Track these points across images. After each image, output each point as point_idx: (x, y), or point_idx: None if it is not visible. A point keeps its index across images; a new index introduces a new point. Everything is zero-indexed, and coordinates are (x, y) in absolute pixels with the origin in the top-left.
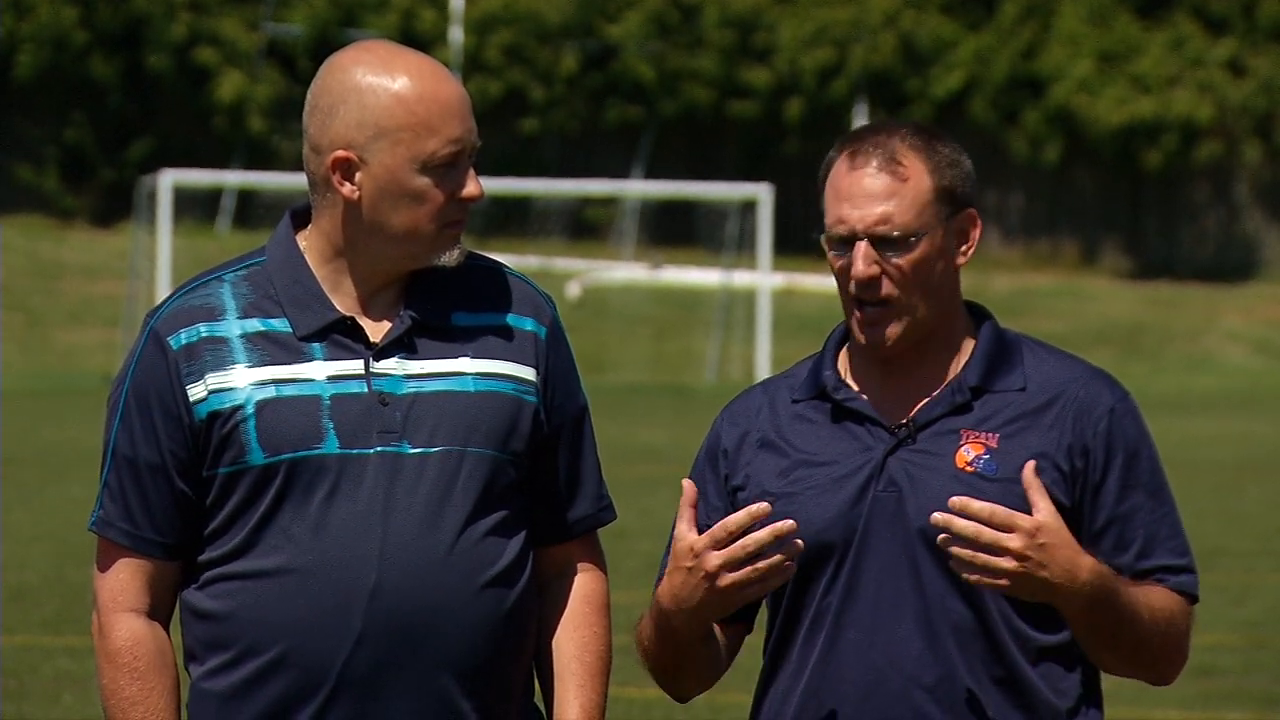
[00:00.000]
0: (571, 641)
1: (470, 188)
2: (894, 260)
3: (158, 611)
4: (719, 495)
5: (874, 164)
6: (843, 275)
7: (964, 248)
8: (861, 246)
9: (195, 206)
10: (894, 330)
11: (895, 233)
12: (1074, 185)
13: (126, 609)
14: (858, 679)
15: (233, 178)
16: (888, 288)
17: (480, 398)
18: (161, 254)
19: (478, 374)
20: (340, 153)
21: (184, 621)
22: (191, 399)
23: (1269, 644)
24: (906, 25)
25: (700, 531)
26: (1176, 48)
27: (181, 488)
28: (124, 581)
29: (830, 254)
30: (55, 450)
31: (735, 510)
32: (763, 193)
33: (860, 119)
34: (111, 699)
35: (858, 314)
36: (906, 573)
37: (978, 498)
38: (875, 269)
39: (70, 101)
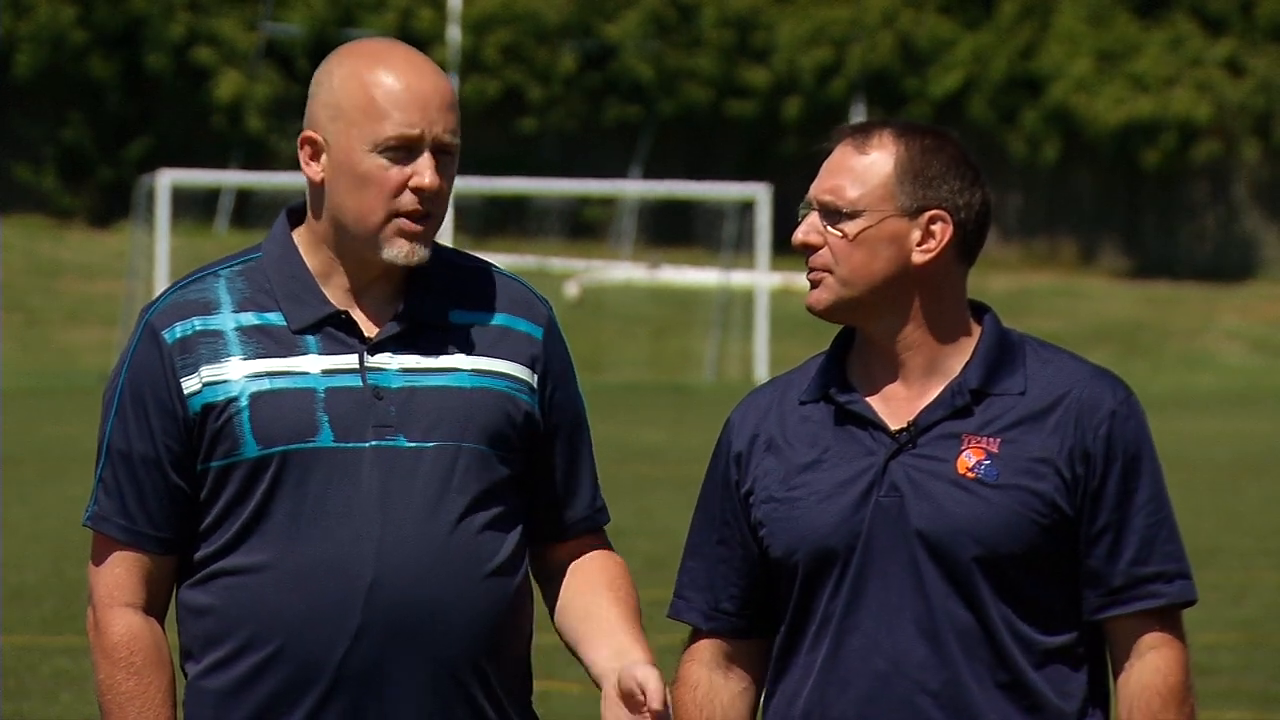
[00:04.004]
0: (604, 598)
1: (422, 178)
2: (831, 230)
3: (153, 606)
4: (734, 516)
5: (846, 143)
6: None
7: (925, 245)
8: (811, 215)
9: (193, 206)
10: (824, 297)
11: (837, 203)
12: (1072, 185)
13: (122, 604)
14: (862, 684)
15: (231, 177)
16: (824, 258)
17: (475, 393)
18: (160, 253)
19: (473, 370)
20: (307, 132)
21: (180, 619)
22: (186, 392)
23: (1267, 642)
24: (905, 24)
25: (716, 564)
26: (1175, 47)
27: (176, 481)
28: (119, 576)
29: None
30: (54, 449)
31: (749, 520)
32: (761, 192)
33: (858, 118)
34: (108, 694)
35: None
36: (909, 578)
37: (980, 503)
38: (814, 237)
39: (69, 101)
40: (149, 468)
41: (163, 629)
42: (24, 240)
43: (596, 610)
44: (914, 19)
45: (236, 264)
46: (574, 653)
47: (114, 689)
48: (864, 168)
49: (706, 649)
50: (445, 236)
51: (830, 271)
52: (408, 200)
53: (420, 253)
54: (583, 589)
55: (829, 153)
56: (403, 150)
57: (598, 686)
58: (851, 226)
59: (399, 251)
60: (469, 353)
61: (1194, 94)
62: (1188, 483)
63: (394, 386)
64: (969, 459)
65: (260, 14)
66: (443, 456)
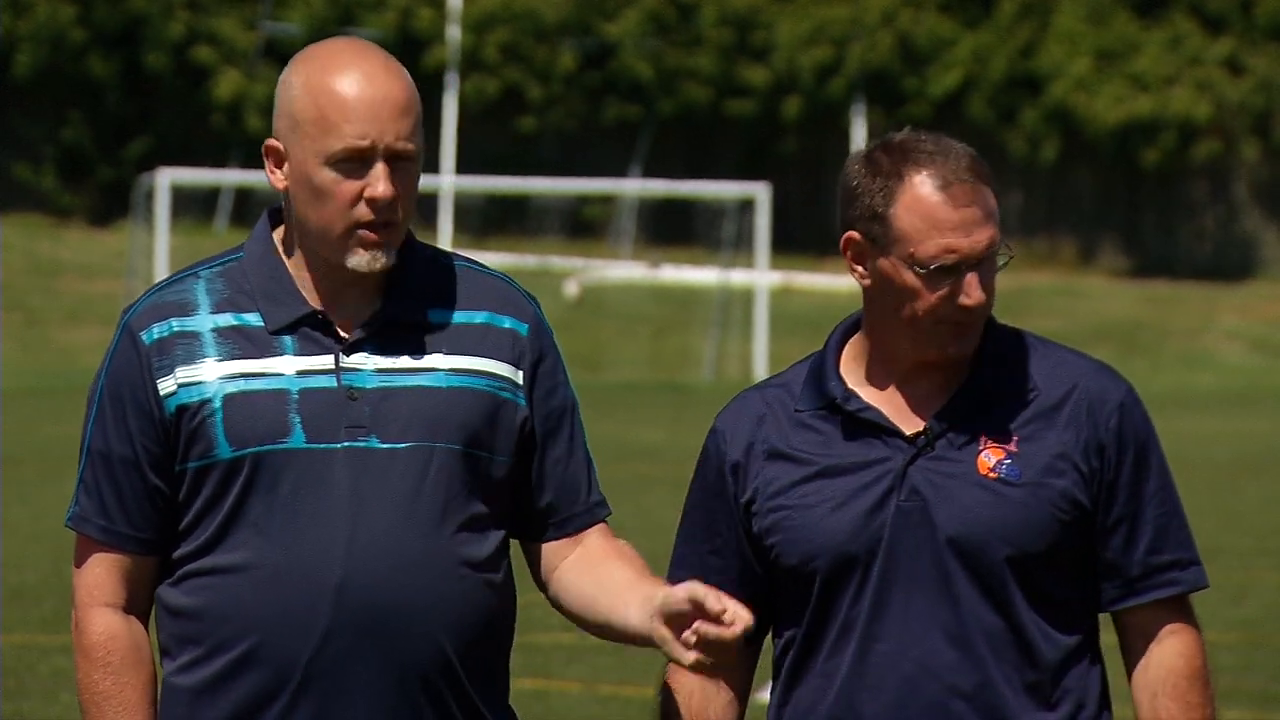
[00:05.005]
0: (613, 565)
1: (375, 189)
2: (989, 277)
3: (134, 606)
4: (729, 525)
5: (968, 191)
6: (946, 302)
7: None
8: (974, 276)
9: (193, 205)
10: (975, 341)
11: (994, 253)
12: (1072, 184)
13: (102, 604)
14: (892, 689)
15: (230, 176)
16: (985, 306)
17: (452, 393)
18: (159, 252)
19: (450, 370)
20: (270, 142)
21: (158, 618)
22: (162, 393)
23: (1267, 643)
24: (904, 24)
25: (710, 575)
26: (1174, 46)
27: (155, 482)
28: (99, 577)
29: (923, 283)
30: (54, 449)
31: (749, 530)
32: (760, 191)
33: (858, 118)
34: (86, 693)
35: (954, 329)
36: (937, 583)
37: (1006, 503)
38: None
39: (68, 100)
40: (127, 469)
41: (145, 629)
42: (24, 240)
43: (608, 578)
44: (913, 18)
45: (217, 265)
46: (605, 632)
47: (91, 688)
48: (994, 213)
49: None
50: (445, 236)
51: (985, 315)
52: (364, 211)
53: (381, 260)
54: (589, 569)
55: (901, 191)
56: (355, 162)
57: (647, 643)
58: (998, 270)
59: (360, 261)
60: (448, 352)
61: (1193, 93)
62: (1188, 483)
63: (369, 387)
64: (989, 459)
65: (260, 13)
66: (416, 457)
